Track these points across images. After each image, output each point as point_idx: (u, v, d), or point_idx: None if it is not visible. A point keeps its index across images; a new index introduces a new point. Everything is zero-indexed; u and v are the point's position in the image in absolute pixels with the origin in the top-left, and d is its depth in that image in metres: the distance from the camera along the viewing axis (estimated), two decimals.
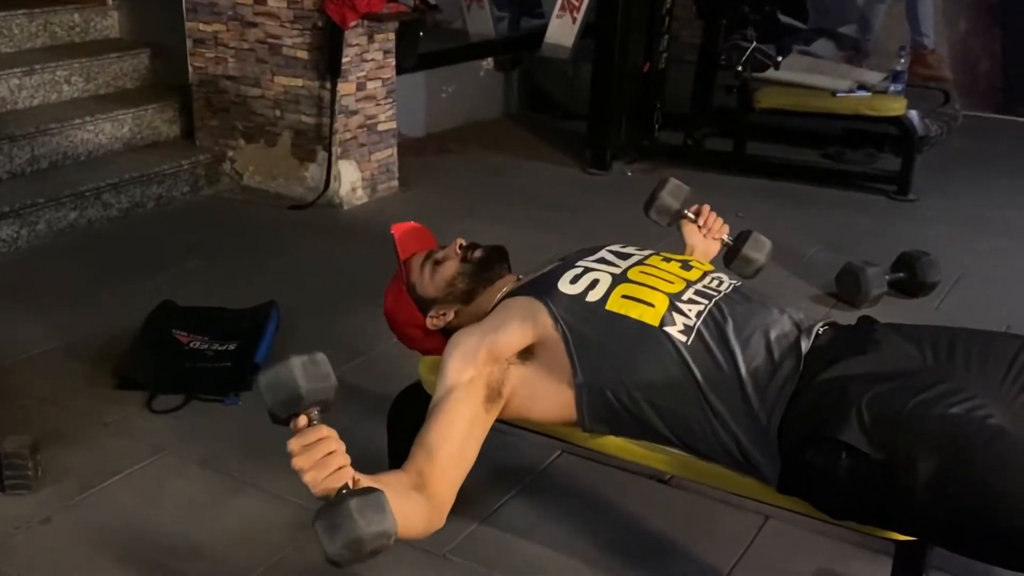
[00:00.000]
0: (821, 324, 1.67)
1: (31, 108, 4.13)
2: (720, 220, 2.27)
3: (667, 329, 1.64)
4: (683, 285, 1.71)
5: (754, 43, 4.53)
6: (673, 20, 4.97)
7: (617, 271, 1.74)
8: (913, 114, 4.80)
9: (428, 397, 2.00)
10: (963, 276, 3.59)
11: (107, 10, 4.69)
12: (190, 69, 4.30)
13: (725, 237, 2.27)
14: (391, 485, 1.48)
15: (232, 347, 2.86)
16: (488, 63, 5.69)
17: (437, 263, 1.92)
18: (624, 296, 1.69)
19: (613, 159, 4.83)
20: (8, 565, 2.00)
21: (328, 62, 3.94)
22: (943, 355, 1.59)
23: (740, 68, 4.53)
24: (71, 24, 4.58)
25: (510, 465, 2.34)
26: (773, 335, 1.62)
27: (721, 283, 1.75)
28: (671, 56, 5.03)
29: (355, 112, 4.10)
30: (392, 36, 4.17)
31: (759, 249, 2.27)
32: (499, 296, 1.84)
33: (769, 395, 1.55)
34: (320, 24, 3.93)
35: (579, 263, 1.79)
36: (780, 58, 4.58)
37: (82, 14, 4.62)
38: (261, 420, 2.54)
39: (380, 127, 4.25)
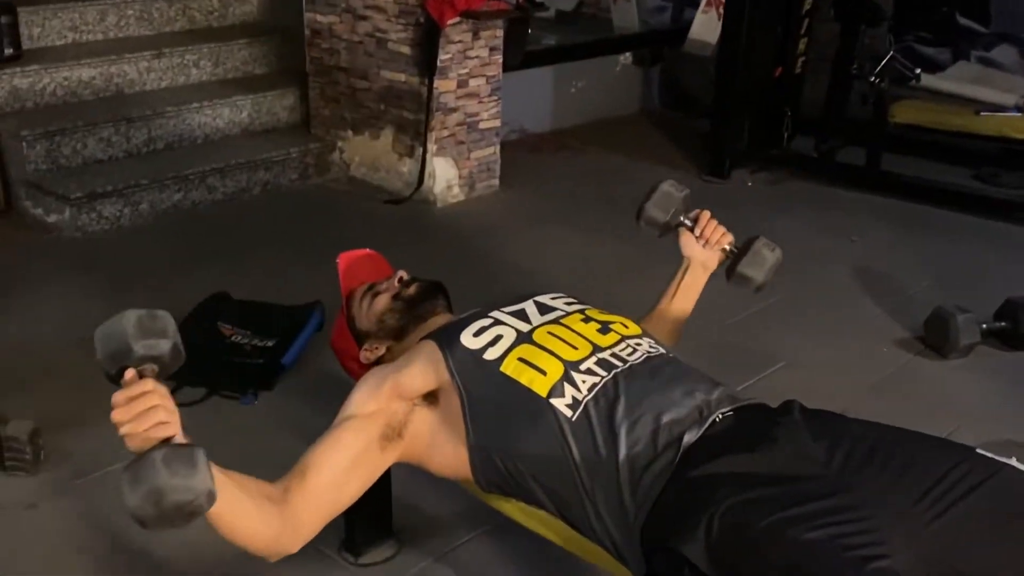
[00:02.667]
0: (725, 409, 1.49)
1: (158, 90, 4.34)
2: (721, 229, 2.03)
3: (553, 401, 1.52)
4: (587, 352, 1.58)
5: (892, 51, 4.16)
6: (815, 22, 4.64)
7: (525, 329, 1.63)
8: None
9: None
10: None
11: None
12: (307, 59, 4.40)
13: (727, 247, 2.03)
14: (241, 482, 1.46)
15: (271, 344, 2.91)
16: (626, 58, 5.53)
17: (375, 296, 1.86)
18: (520, 359, 1.58)
19: (732, 167, 4.58)
20: None
21: (426, 58, 3.92)
22: (855, 462, 1.37)
23: (874, 79, 4.17)
24: (210, 9, 4.78)
25: (483, 503, 2.25)
26: (665, 419, 1.46)
27: (634, 352, 1.60)
28: (811, 59, 4.71)
29: (454, 109, 4.07)
30: (499, 33, 4.11)
31: (758, 266, 1.99)
32: (424, 336, 1.77)
33: (641, 488, 1.40)
34: (422, 20, 3.92)
35: (494, 312, 1.69)
36: (919, 71, 4.18)
37: None
38: (268, 424, 2.62)
39: (482, 125, 4.20)
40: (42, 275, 3.42)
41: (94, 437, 2.49)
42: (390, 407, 1.65)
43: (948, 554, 1.30)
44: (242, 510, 1.42)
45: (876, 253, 3.85)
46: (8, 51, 3.98)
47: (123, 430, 1.28)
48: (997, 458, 1.38)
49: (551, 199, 4.31)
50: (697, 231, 2.02)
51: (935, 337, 3.04)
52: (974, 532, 1.31)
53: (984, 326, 3.02)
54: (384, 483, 2.11)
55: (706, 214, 2.04)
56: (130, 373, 1.31)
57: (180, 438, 1.31)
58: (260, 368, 2.82)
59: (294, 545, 1.55)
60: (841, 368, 2.95)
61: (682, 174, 4.67)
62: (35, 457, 2.34)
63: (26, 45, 4.11)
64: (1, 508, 2.23)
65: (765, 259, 1.99)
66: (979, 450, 1.40)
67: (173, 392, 2.61)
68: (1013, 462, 1.39)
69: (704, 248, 2.02)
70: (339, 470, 1.59)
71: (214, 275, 3.36)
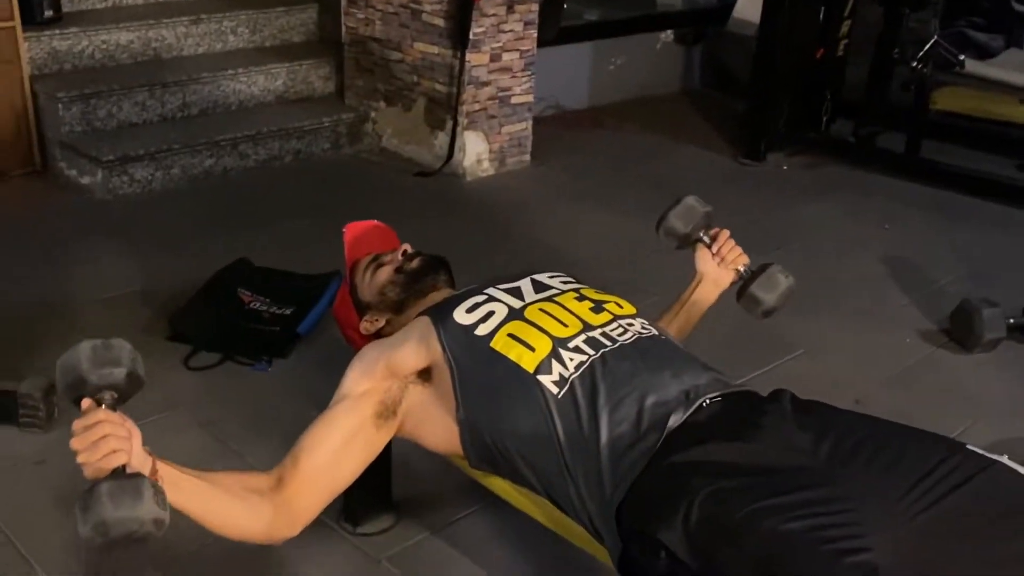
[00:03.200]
0: (713, 395, 1.47)
1: (195, 56, 4.37)
2: (738, 249, 2.06)
3: (540, 377, 1.51)
4: (577, 330, 1.57)
5: (935, 36, 4.06)
6: (859, 4, 4.54)
7: (517, 306, 1.63)
8: None
9: None
10: None
11: None
12: (343, 28, 4.40)
13: (741, 268, 2.05)
14: (220, 481, 1.47)
15: (288, 312, 2.93)
16: (667, 35, 5.46)
17: (379, 267, 1.87)
18: (510, 335, 1.58)
19: (768, 150, 4.51)
20: None
21: (459, 31, 3.90)
22: (842, 454, 1.35)
23: (916, 64, 4.07)
24: None
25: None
26: (649, 401, 1.44)
27: (625, 332, 1.58)
28: (854, 42, 4.61)
29: (486, 83, 4.05)
30: (534, 8, 4.07)
31: (770, 289, 2.01)
32: (421, 311, 1.77)
33: (621, 469, 1.39)
34: None
35: (488, 289, 1.69)
36: (963, 56, 4.08)
37: None
38: (280, 391, 2.64)
39: (514, 100, 4.18)
40: (72, 235, 3.47)
41: None
42: (383, 385, 1.66)
43: (932, 550, 1.27)
44: (222, 509, 1.45)
45: (909, 242, 3.78)
46: (48, 13, 4.03)
47: (78, 459, 1.31)
48: (987, 454, 1.35)
49: (583, 176, 4.28)
50: (715, 248, 2.04)
51: (960, 330, 2.98)
52: (959, 528, 1.28)
53: (1011, 321, 2.95)
54: (384, 455, 2.10)
55: (725, 233, 2.06)
56: (86, 402, 1.35)
57: (136, 464, 1.33)
58: (276, 336, 2.84)
59: (292, 530, 1.58)
60: (861, 358, 2.90)
61: (717, 156, 4.62)
62: (48, 414, 2.38)
63: (66, 8, 4.16)
64: (12, 462, 2.28)
65: (779, 283, 2.01)
66: (969, 446, 1.37)
67: (189, 357, 2.70)
68: (1004, 459, 1.35)
69: (719, 266, 2.04)
70: (333, 451, 1.60)
71: (241, 241, 3.38)
